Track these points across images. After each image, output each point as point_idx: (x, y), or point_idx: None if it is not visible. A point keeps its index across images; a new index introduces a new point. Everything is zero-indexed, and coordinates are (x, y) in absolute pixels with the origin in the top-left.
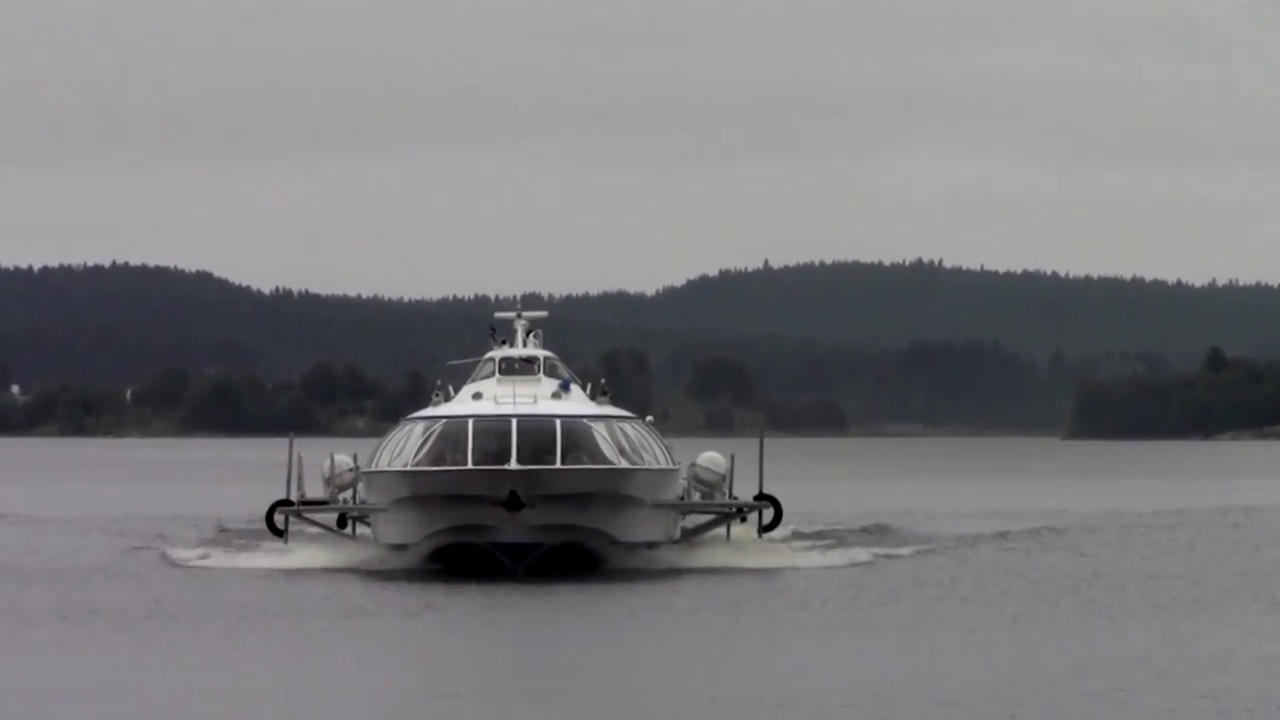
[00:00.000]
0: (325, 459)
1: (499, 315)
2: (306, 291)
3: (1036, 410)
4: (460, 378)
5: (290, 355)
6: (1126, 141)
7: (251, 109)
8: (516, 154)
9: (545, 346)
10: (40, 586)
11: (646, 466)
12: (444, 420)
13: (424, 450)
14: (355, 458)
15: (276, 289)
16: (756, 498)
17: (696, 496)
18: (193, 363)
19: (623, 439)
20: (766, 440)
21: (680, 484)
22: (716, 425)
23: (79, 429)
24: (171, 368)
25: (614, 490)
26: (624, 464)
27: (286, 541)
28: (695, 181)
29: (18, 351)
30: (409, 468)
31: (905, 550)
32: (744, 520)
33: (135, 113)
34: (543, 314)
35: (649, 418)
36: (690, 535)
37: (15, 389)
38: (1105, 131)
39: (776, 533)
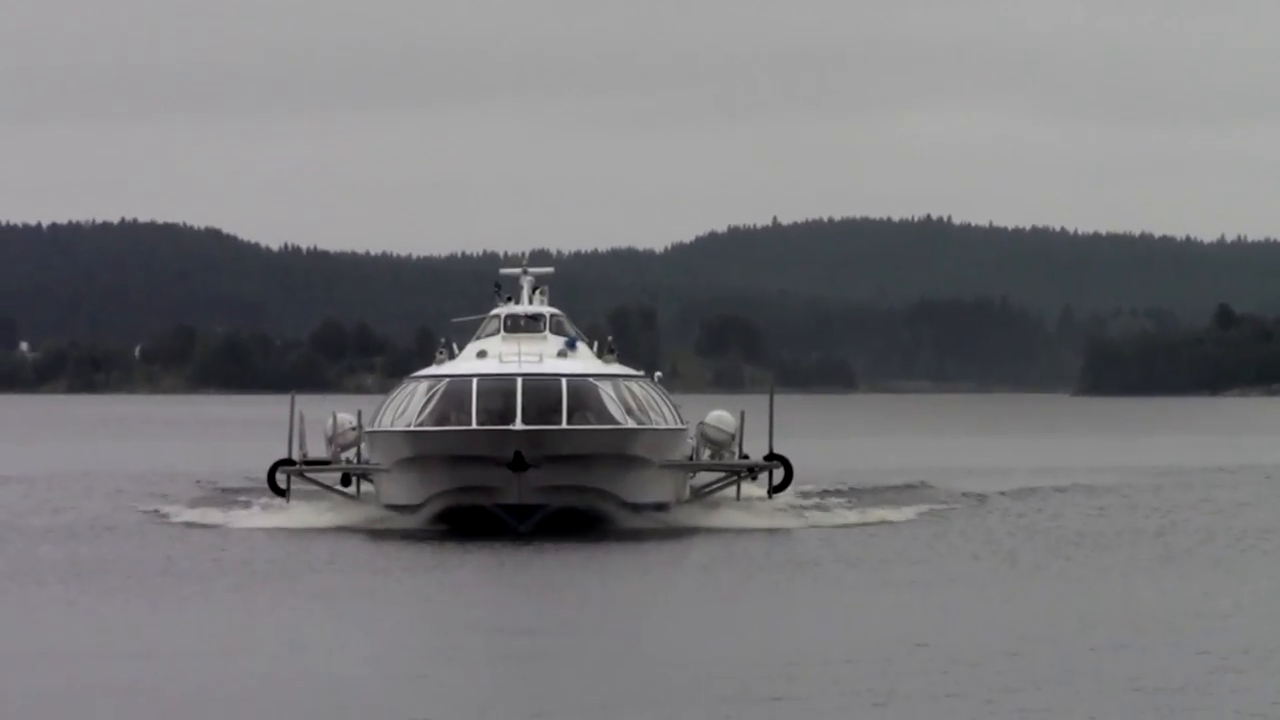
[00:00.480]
0: (328, 417)
1: (504, 271)
2: (315, 248)
3: (1045, 367)
4: (465, 335)
5: (299, 312)
6: (1135, 98)
7: (260, 67)
8: (526, 111)
9: (552, 303)
10: (49, 544)
11: (654, 426)
12: (448, 379)
13: (427, 410)
14: (360, 414)
15: (285, 246)
16: (767, 458)
17: (705, 456)
18: (202, 320)
19: (629, 398)
20: (776, 397)
21: (688, 443)
22: (725, 382)
23: (88, 386)
24: (180, 325)
25: (620, 451)
26: (631, 424)
27: (288, 501)
28: (704, 138)
29: (26, 309)
30: (412, 428)
31: (921, 508)
32: (754, 479)
33: (143, 70)
34: (549, 270)
35: (658, 374)
36: (699, 496)
37: (24, 346)
38: (1114, 88)
39: (786, 493)
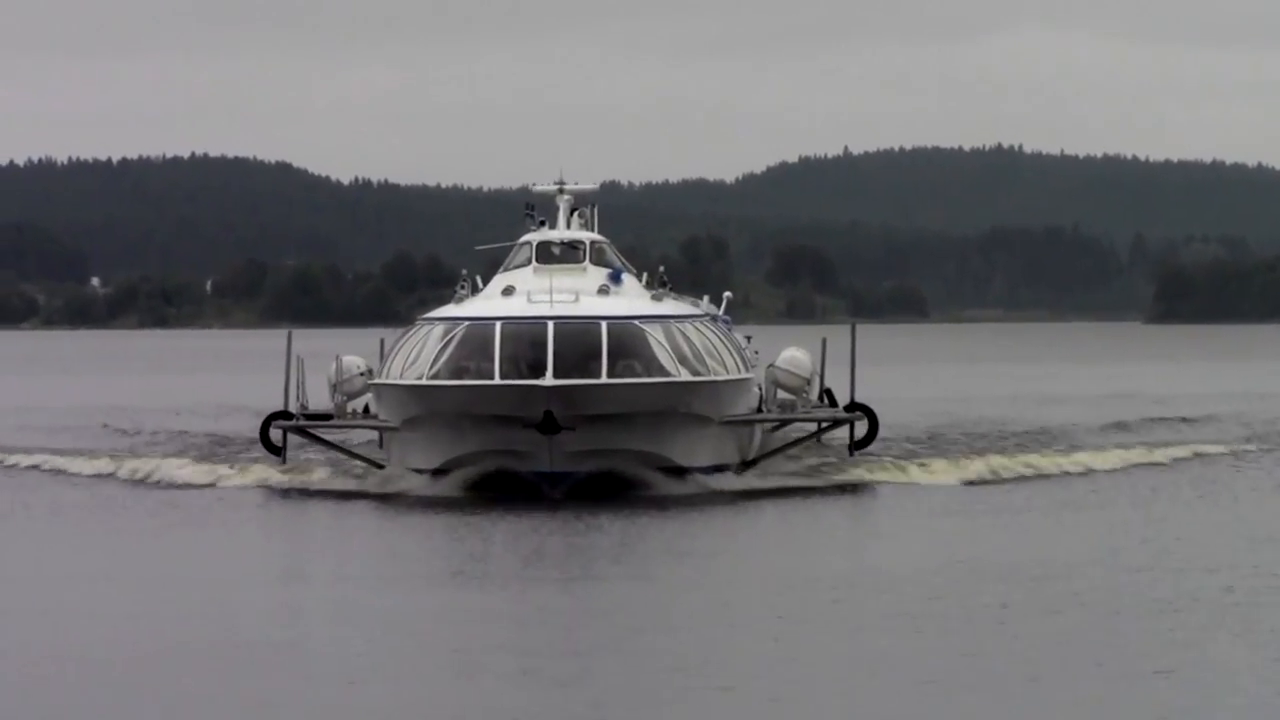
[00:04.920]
0: (332, 361)
1: (537, 189)
2: (386, 181)
3: (1117, 294)
4: (492, 266)
5: (370, 245)
6: (1208, 22)
7: None
8: (596, 39)
9: (600, 230)
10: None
11: (712, 377)
12: (466, 323)
13: (442, 359)
14: (382, 344)
15: (356, 179)
16: (848, 407)
17: (776, 404)
18: (272, 254)
19: (683, 343)
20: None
21: (755, 393)
22: (797, 312)
23: (159, 320)
24: (251, 259)
25: (673, 407)
26: (684, 375)
27: (284, 460)
28: (775, 67)
29: (98, 243)
30: (424, 380)
31: (1018, 459)
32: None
33: (215, 2)
34: (590, 188)
35: (726, 294)
36: (771, 453)
37: (95, 281)
38: (1185, 12)
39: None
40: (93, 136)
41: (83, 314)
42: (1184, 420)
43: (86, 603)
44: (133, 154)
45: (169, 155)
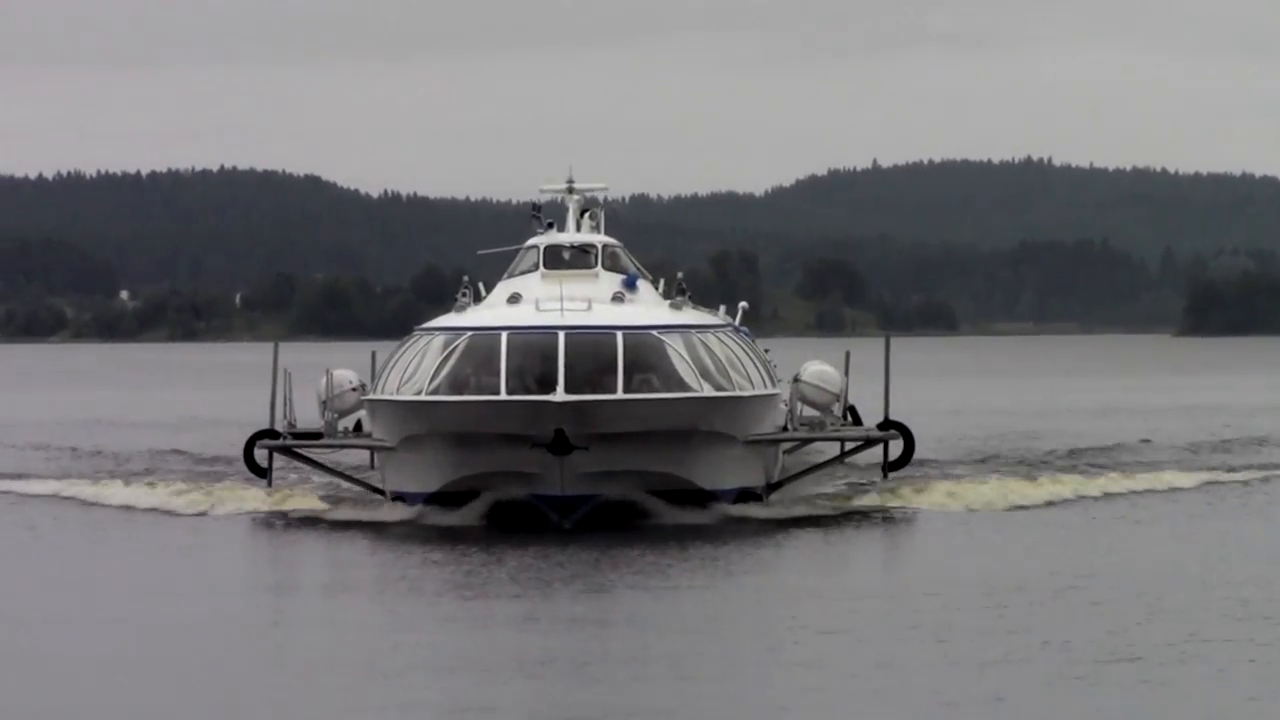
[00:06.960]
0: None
1: (545, 188)
2: (415, 195)
3: (1147, 307)
4: (496, 272)
5: (399, 259)
6: (1237, 35)
7: (361, 9)
8: (624, 54)
9: (610, 233)
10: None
11: (737, 392)
12: (469, 333)
13: (443, 373)
14: (374, 355)
15: (385, 192)
16: (882, 425)
17: (802, 422)
18: (301, 267)
19: (705, 356)
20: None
21: (781, 410)
22: (827, 325)
23: (188, 334)
24: (280, 272)
25: (694, 425)
26: (707, 390)
27: (270, 483)
28: (804, 81)
29: (127, 257)
30: (422, 396)
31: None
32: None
33: (244, 16)
34: (602, 187)
35: (742, 304)
36: (799, 475)
37: (124, 294)
38: (1213, 24)
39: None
40: (121, 150)
41: (111, 327)
42: (1223, 439)
43: (51, 647)
44: (161, 167)
45: (198, 168)
